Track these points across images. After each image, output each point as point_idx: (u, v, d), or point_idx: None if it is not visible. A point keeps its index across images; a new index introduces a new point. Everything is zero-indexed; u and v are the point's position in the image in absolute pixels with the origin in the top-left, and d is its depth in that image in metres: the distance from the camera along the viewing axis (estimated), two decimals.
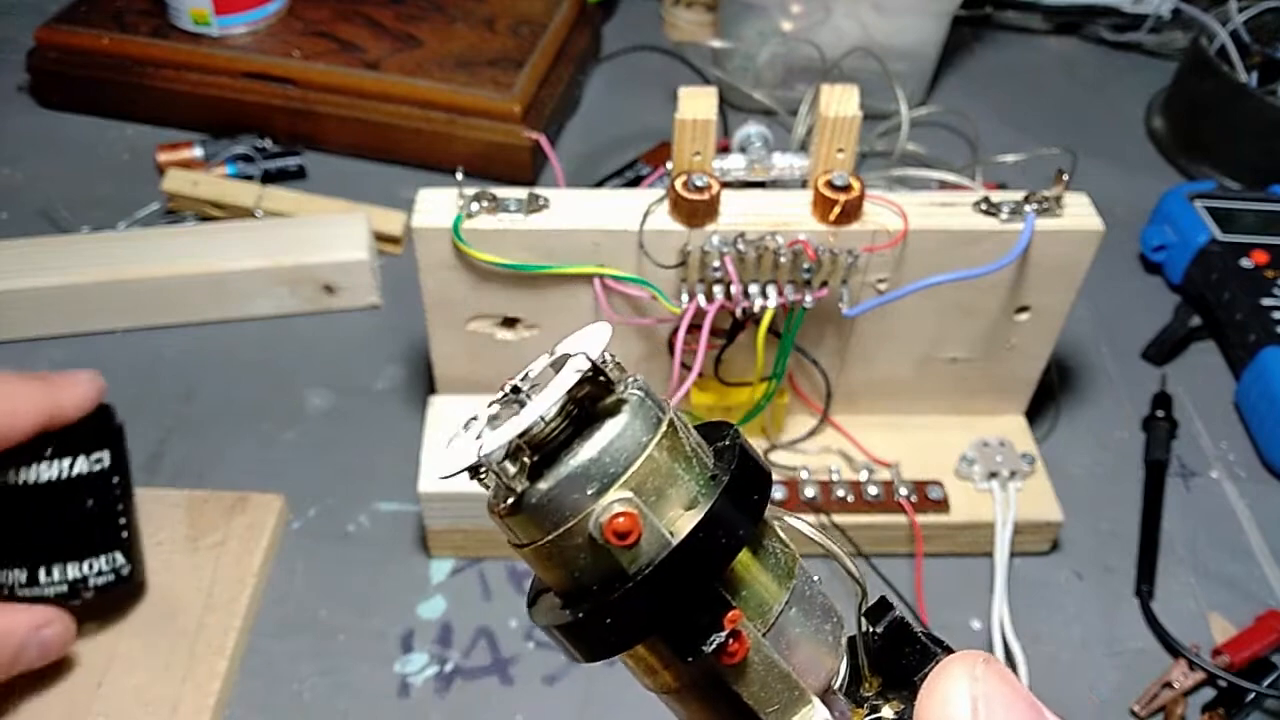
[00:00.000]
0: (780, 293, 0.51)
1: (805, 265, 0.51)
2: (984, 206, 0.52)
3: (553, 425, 0.18)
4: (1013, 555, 0.55)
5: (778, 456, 0.58)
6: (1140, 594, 0.55)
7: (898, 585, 0.55)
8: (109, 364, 0.64)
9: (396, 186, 0.75)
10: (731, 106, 0.85)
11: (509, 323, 0.56)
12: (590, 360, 0.18)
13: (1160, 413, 0.63)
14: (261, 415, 0.62)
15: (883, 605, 0.21)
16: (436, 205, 0.52)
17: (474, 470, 0.19)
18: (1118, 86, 0.93)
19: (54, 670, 0.48)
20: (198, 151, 0.77)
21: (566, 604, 0.20)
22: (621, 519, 0.17)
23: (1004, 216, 0.52)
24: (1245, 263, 0.68)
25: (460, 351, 0.57)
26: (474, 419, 0.19)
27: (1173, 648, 0.52)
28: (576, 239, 0.51)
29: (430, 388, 0.59)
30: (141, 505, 0.51)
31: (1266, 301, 0.66)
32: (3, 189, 0.76)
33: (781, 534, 0.20)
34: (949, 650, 0.21)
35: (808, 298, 0.51)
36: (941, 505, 0.55)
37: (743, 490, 0.19)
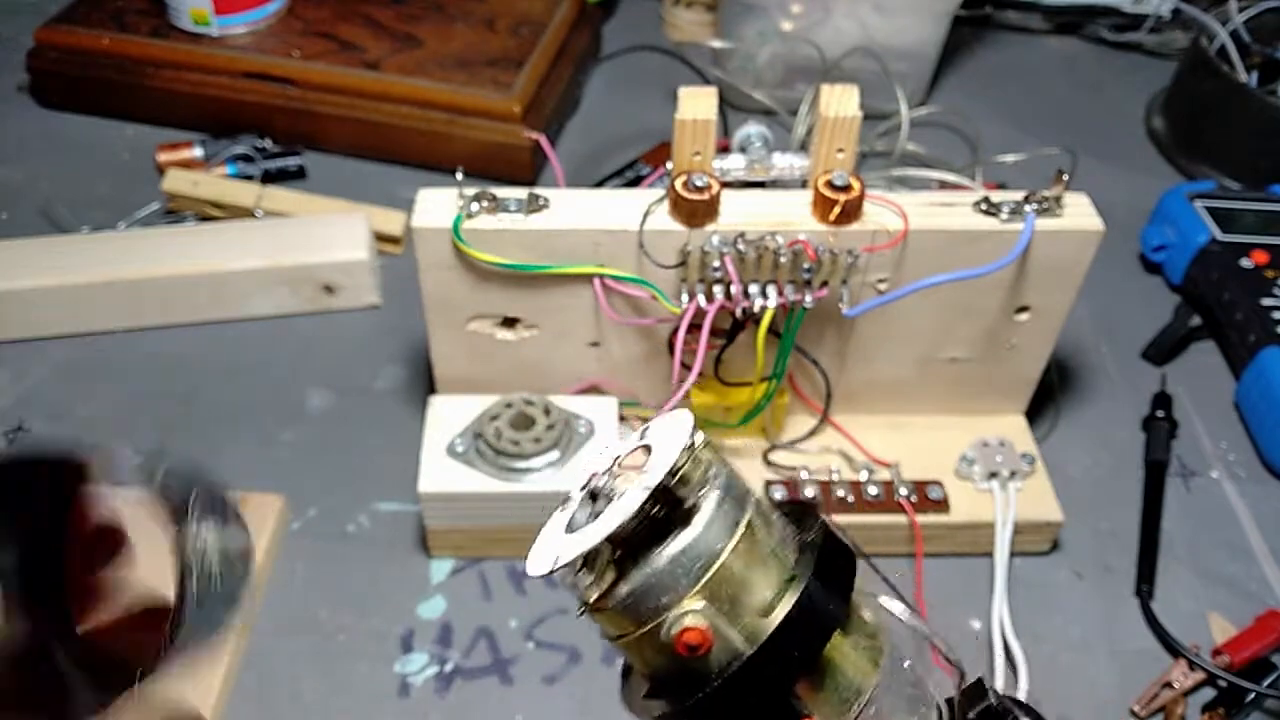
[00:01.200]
0: (780, 293, 0.51)
1: (805, 265, 0.51)
2: (984, 206, 0.52)
3: (634, 526, 0.18)
4: (1013, 555, 0.55)
5: (777, 456, 0.58)
6: (1140, 594, 0.55)
7: (898, 585, 0.55)
8: (109, 364, 0.65)
9: (396, 186, 0.76)
10: (731, 106, 0.85)
11: (509, 323, 0.56)
12: (659, 480, 0.18)
13: (1160, 413, 0.63)
14: (261, 415, 0.62)
15: (978, 688, 0.21)
16: (436, 205, 0.52)
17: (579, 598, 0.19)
18: (1118, 86, 0.93)
19: None
20: (198, 151, 0.77)
21: (652, 688, 0.20)
22: (691, 633, 0.18)
23: (1004, 216, 0.52)
24: (1245, 263, 0.68)
25: (460, 351, 0.57)
26: (567, 499, 0.20)
27: (1173, 647, 0.52)
28: (576, 239, 0.51)
29: (430, 388, 0.59)
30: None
31: (1266, 301, 0.66)
32: (3, 189, 0.76)
33: (873, 628, 0.20)
34: None
35: (808, 298, 0.51)
36: (941, 505, 0.55)
37: (814, 605, 0.18)
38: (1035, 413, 0.62)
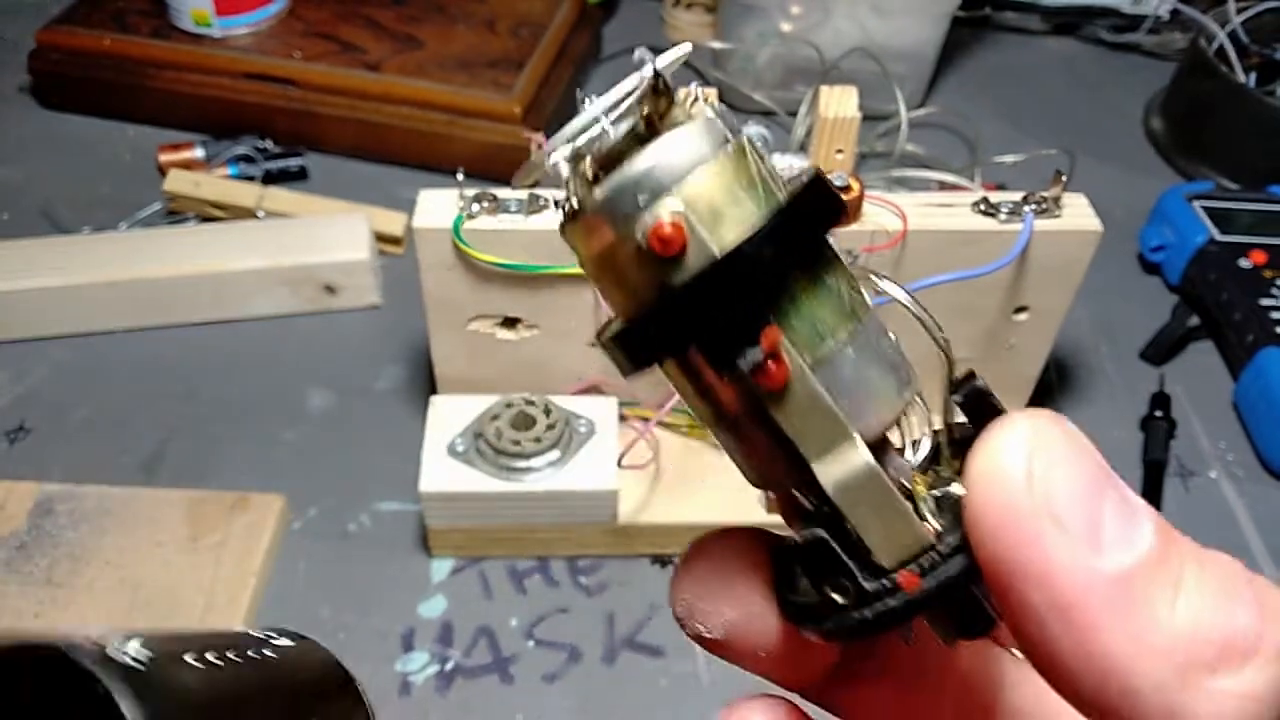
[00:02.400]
0: None
1: None
2: (983, 207, 0.52)
3: (617, 136, 0.18)
4: None
5: None
6: None
7: None
8: (110, 364, 0.65)
9: (397, 187, 0.76)
10: (731, 107, 0.85)
11: (509, 323, 0.56)
12: (655, 70, 0.18)
13: (1159, 413, 0.63)
14: (262, 415, 0.62)
15: (968, 377, 0.20)
16: (437, 206, 0.52)
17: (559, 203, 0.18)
18: (1116, 87, 0.93)
19: None
20: (199, 152, 0.77)
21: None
22: (666, 228, 0.17)
23: (1003, 217, 0.52)
24: (1243, 263, 0.69)
25: (461, 351, 0.57)
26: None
27: None
28: None
29: (431, 388, 0.59)
30: (141, 505, 0.51)
31: (1265, 301, 0.66)
32: (4, 189, 0.76)
33: (857, 284, 0.19)
34: None
35: None
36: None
37: (803, 215, 0.18)
38: None
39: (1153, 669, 0.15)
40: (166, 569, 0.52)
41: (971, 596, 0.18)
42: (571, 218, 0.19)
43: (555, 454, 0.53)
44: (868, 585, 0.18)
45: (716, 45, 0.86)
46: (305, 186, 0.77)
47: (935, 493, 0.19)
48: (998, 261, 0.51)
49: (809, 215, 0.18)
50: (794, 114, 0.79)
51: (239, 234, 0.68)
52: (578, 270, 0.55)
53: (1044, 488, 0.16)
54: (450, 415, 0.55)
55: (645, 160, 0.18)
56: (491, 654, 0.52)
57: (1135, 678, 0.15)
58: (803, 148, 0.73)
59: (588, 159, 0.18)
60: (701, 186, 0.18)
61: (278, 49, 0.79)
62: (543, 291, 0.54)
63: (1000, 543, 0.16)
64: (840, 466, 0.18)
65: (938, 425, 0.20)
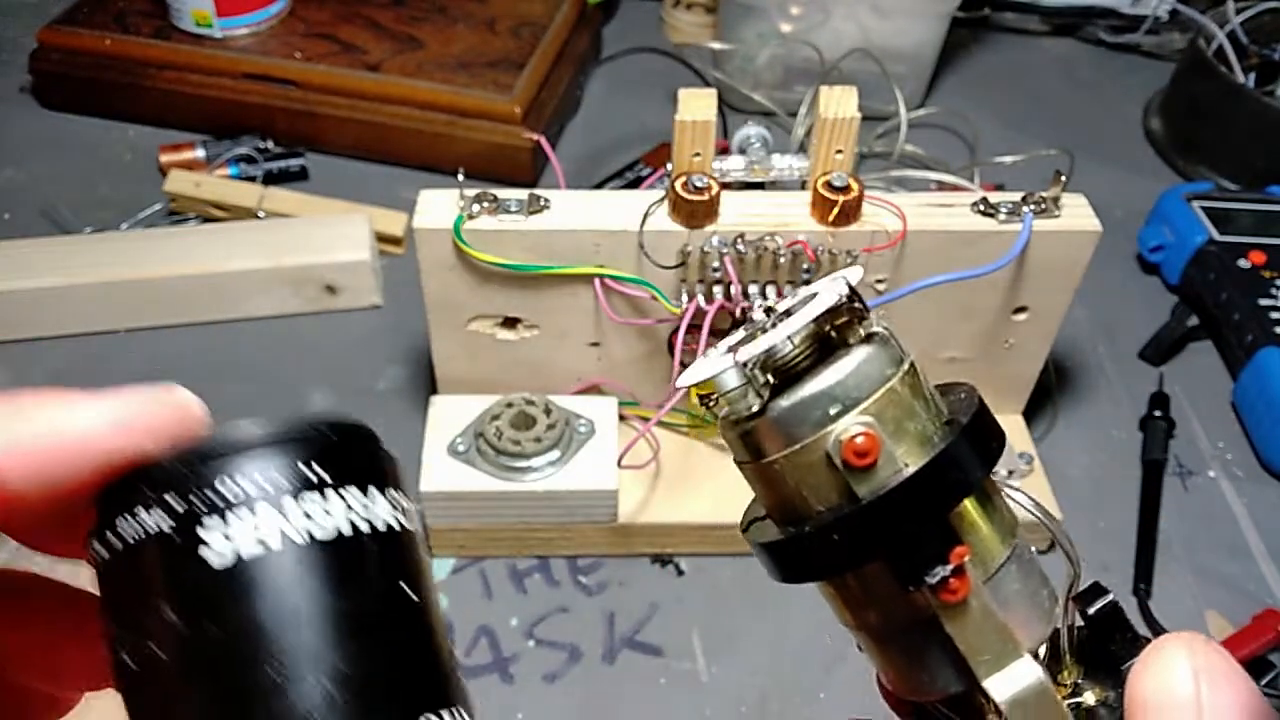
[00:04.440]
0: (780, 293, 0.52)
1: (804, 266, 0.51)
2: (982, 207, 0.52)
3: (799, 349, 0.19)
4: None
5: None
6: (1138, 593, 0.55)
7: None
8: (111, 364, 0.65)
9: (398, 187, 0.76)
10: (731, 108, 0.85)
11: (510, 323, 0.56)
12: (849, 285, 0.19)
13: (1158, 412, 0.63)
14: (263, 415, 0.62)
15: (1096, 590, 0.21)
16: (438, 206, 0.52)
17: (705, 399, 0.19)
18: (1115, 88, 0.93)
19: None
20: (200, 152, 0.77)
21: (785, 526, 0.20)
22: (861, 439, 0.18)
23: (1002, 217, 0.52)
24: (1243, 263, 0.69)
25: (461, 352, 0.57)
26: (724, 342, 0.20)
27: None
28: (577, 240, 0.51)
29: (431, 388, 0.59)
30: None
31: (1264, 302, 0.66)
32: (5, 190, 0.76)
33: (1005, 497, 0.21)
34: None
35: None
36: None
37: (978, 436, 0.19)
38: (1033, 412, 0.62)
39: None
40: None
41: None
42: (753, 418, 0.19)
43: (555, 454, 0.53)
44: None
45: (716, 46, 0.86)
46: (306, 187, 0.77)
47: (1080, 700, 0.20)
48: (997, 262, 0.51)
49: (985, 437, 0.19)
50: (794, 114, 0.79)
51: (240, 234, 0.68)
52: (578, 270, 0.55)
53: (1213, 714, 0.17)
54: (450, 415, 0.55)
55: (836, 374, 0.19)
56: (492, 653, 0.52)
57: None
58: (803, 148, 0.73)
59: (763, 368, 0.19)
60: (886, 403, 0.19)
61: (278, 49, 0.79)
62: (543, 291, 0.54)
63: None
64: (1013, 682, 0.19)
65: (1062, 637, 0.20)
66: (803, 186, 0.56)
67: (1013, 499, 0.21)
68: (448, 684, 0.18)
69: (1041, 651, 0.20)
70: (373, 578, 0.18)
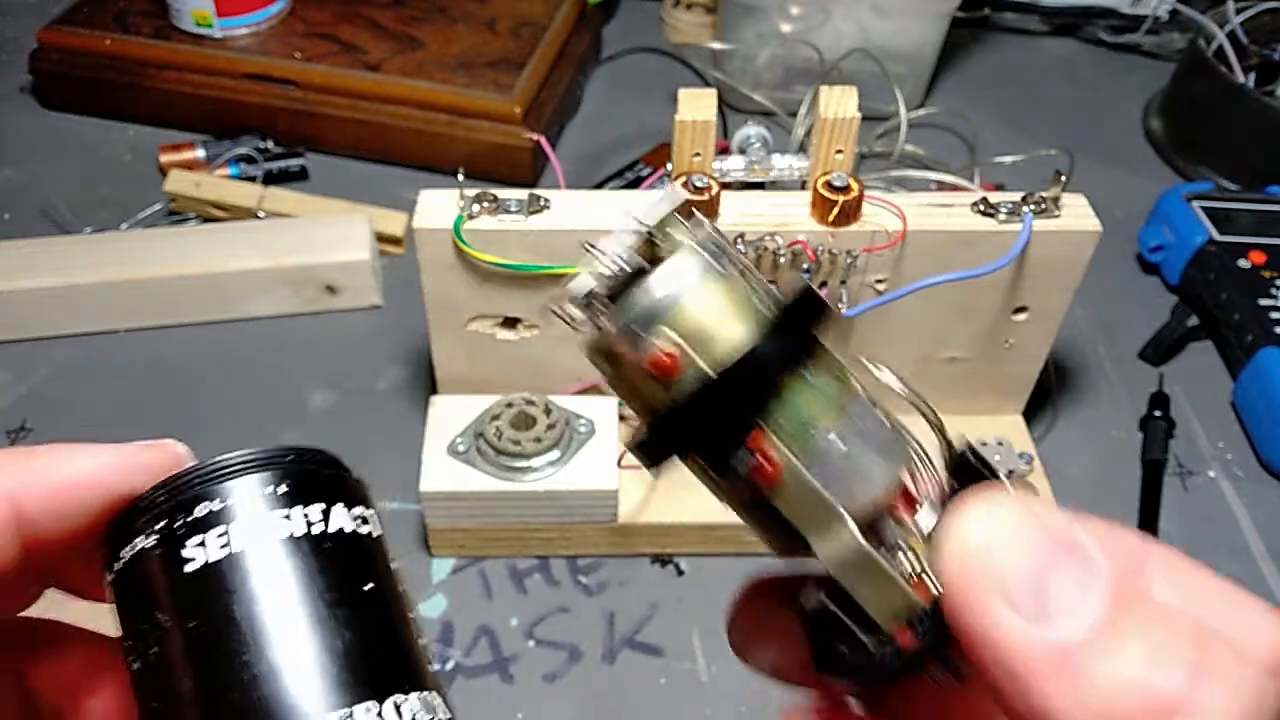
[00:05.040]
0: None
1: (804, 266, 0.51)
2: (982, 207, 0.52)
3: (620, 271, 0.21)
4: None
5: None
6: None
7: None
8: (111, 364, 0.65)
9: (398, 187, 0.76)
10: (731, 108, 0.85)
11: (509, 323, 0.56)
12: (642, 222, 0.21)
13: (1158, 412, 0.63)
14: (263, 415, 0.62)
15: (960, 449, 0.22)
16: (437, 206, 0.52)
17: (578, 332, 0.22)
18: (1115, 88, 0.93)
19: None
20: (200, 152, 0.77)
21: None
22: (662, 357, 0.20)
23: (1002, 217, 0.52)
24: (1243, 263, 0.69)
25: (461, 352, 0.57)
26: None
27: None
28: (577, 240, 0.51)
29: (431, 388, 0.59)
30: None
31: (1264, 302, 0.66)
32: (5, 190, 0.76)
33: (846, 373, 0.22)
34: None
35: None
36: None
37: (782, 330, 0.20)
38: (1033, 412, 0.62)
39: None
40: None
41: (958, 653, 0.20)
42: (591, 347, 0.22)
43: (555, 454, 0.53)
44: (870, 645, 0.21)
45: (716, 46, 0.86)
46: (306, 187, 0.77)
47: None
48: (997, 261, 0.51)
49: (791, 329, 0.20)
50: (794, 114, 0.79)
51: (240, 234, 0.68)
52: (578, 270, 0.55)
53: (996, 566, 0.18)
54: (450, 415, 0.55)
55: (641, 295, 0.21)
56: (492, 653, 0.52)
57: None
58: (803, 148, 0.73)
59: (600, 292, 0.21)
60: (691, 313, 0.20)
61: (278, 49, 0.79)
62: (543, 291, 0.54)
63: (961, 615, 0.18)
64: (834, 545, 0.20)
65: (936, 496, 0.22)
66: (803, 186, 0.56)
67: (875, 371, 0.22)
68: (414, 670, 0.20)
69: (925, 516, 0.21)
70: (334, 572, 0.20)
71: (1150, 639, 0.17)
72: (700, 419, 0.20)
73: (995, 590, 0.18)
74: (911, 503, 0.22)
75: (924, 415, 0.22)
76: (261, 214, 0.72)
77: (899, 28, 0.83)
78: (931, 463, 0.22)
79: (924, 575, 0.21)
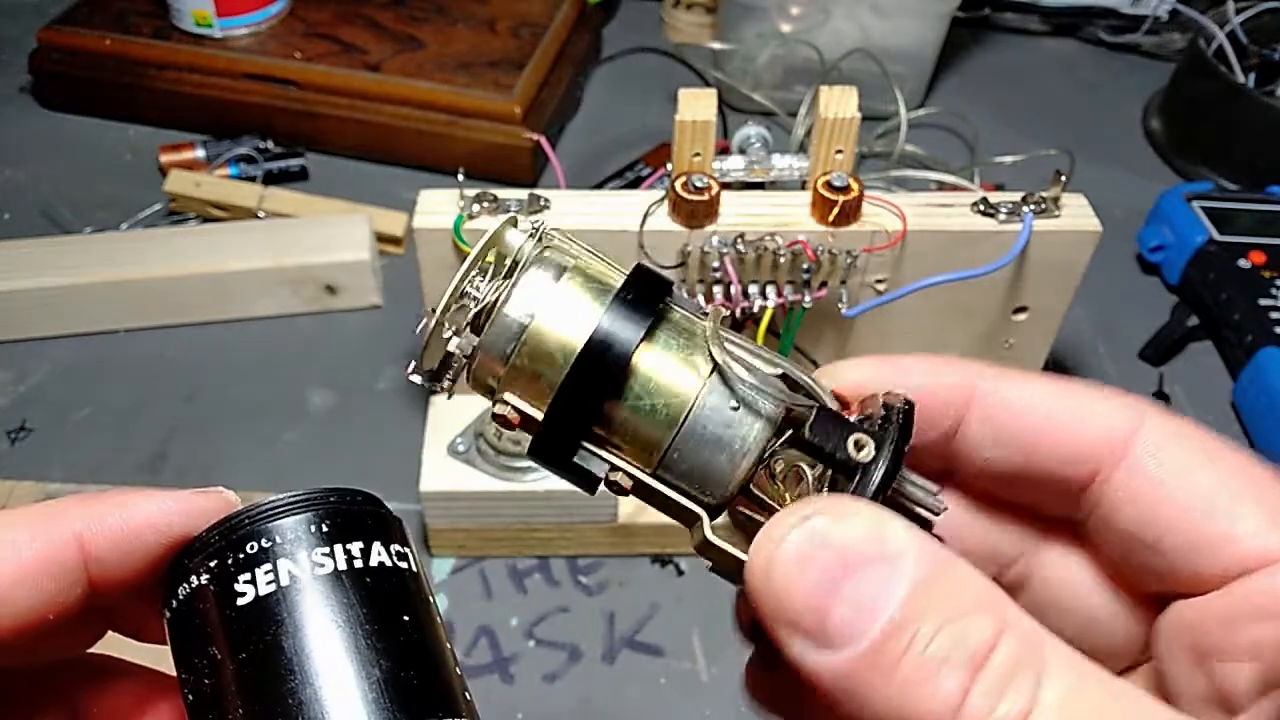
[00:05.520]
0: (780, 293, 0.52)
1: (804, 266, 0.51)
2: (982, 207, 0.53)
3: (477, 299, 0.24)
4: None
5: None
6: None
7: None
8: (111, 364, 0.65)
9: (398, 187, 0.76)
10: (731, 108, 0.85)
11: None
12: (459, 280, 0.24)
13: None
14: (263, 415, 0.62)
15: (821, 410, 0.23)
16: (438, 206, 0.52)
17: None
18: (1115, 88, 0.93)
19: None
20: (200, 152, 0.77)
21: None
22: (502, 417, 0.23)
23: (1002, 217, 0.52)
24: (1243, 263, 0.69)
25: None
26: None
27: None
28: (576, 240, 0.51)
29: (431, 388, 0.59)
30: None
31: (1264, 302, 0.66)
32: (5, 190, 0.76)
33: (692, 362, 0.23)
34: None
35: (807, 298, 0.52)
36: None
37: (581, 384, 0.22)
38: None
39: None
40: None
41: None
42: (475, 383, 0.24)
43: None
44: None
45: (716, 46, 0.86)
46: (306, 187, 0.77)
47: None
48: (997, 261, 0.51)
49: (588, 381, 0.22)
50: (794, 114, 0.79)
51: (240, 234, 0.68)
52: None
53: (782, 592, 0.19)
54: (450, 415, 0.55)
55: (480, 357, 0.24)
56: (492, 653, 0.52)
57: None
58: (803, 148, 0.73)
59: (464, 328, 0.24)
60: (516, 371, 0.23)
61: (278, 49, 0.79)
62: None
63: (769, 629, 0.19)
64: (696, 536, 0.23)
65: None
66: (803, 186, 0.56)
67: (723, 338, 0.23)
68: (449, 698, 0.21)
69: (807, 477, 0.23)
70: (373, 605, 0.22)
71: (928, 653, 0.18)
72: (551, 463, 0.23)
73: (783, 618, 0.19)
74: (780, 474, 0.23)
75: (808, 393, 0.23)
76: (261, 214, 0.72)
77: (899, 28, 0.83)
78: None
79: None
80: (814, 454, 0.22)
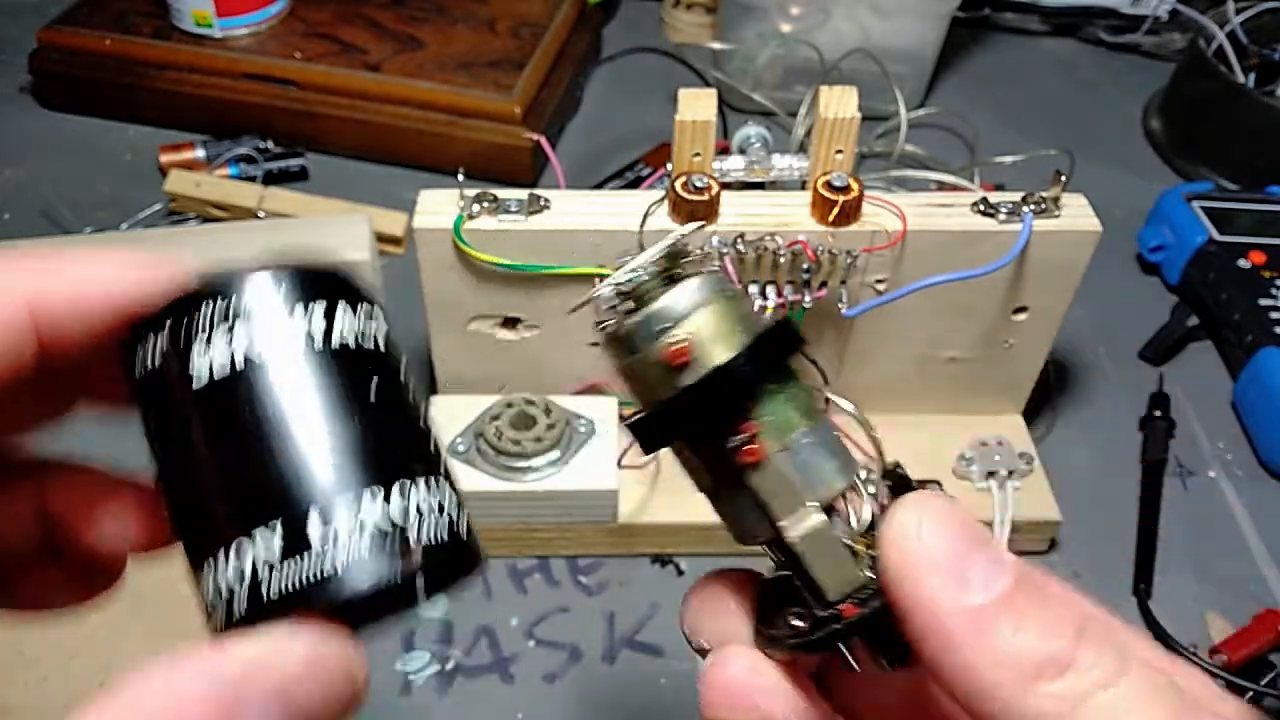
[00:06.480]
0: (780, 293, 0.52)
1: (804, 266, 0.51)
2: (982, 207, 0.52)
3: (648, 283, 0.25)
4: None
5: None
6: (1138, 593, 0.55)
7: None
8: None
9: (398, 187, 0.76)
10: (731, 108, 0.85)
11: (509, 323, 0.56)
12: (679, 236, 0.26)
13: (1158, 412, 0.63)
14: None
15: (895, 467, 0.26)
16: (438, 206, 0.52)
17: (599, 324, 0.26)
18: (1115, 88, 0.93)
19: (56, 669, 0.48)
20: (200, 153, 0.77)
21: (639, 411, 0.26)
22: (679, 346, 0.24)
23: (1002, 217, 0.52)
24: (1243, 263, 0.69)
25: (461, 352, 0.57)
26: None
27: (1171, 646, 0.52)
28: (577, 240, 0.51)
29: (431, 388, 0.59)
30: None
31: (1264, 302, 0.66)
32: (5, 190, 0.76)
33: (812, 394, 0.26)
34: None
35: (807, 298, 0.52)
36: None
37: (771, 343, 0.25)
38: (1033, 412, 0.62)
39: (996, 676, 0.21)
40: (167, 571, 0.52)
41: (892, 627, 0.23)
42: (614, 335, 0.26)
43: (555, 454, 0.53)
44: (819, 612, 0.24)
45: (716, 46, 0.86)
46: (306, 187, 0.77)
47: (873, 552, 0.25)
48: (997, 261, 0.51)
49: (776, 346, 0.25)
50: (794, 114, 0.79)
51: (240, 234, 0.68)
52: (578, 270, 0.55)
53: (928, 545, 0.22)
54: (450, 415, 0.55)
55: (667, 300, 0.25)
56: (492, 653, 0.52)
57: (985, 682, 0.21)
58: (803, 148, 0.73)
59: (627, 295, 0.25)
60: (704, 321, 0.25)
61: (278, 49, 0.79)
62: (543, 291, 0.54)
63: (900, 584, 0.22)
64: (800, 524, 0.25)
65: (876, 505, 0.26)
66: (803, 186, 0.56)
67: (838, 404, 0.28)
68: (421, 458, 0.22)
69: (867, 518, 0.25)
70: (341, 367, 0.22)
71: (1045, 612, 0.21)
72: (704, 403, 0.24)
73: (926, 564, 0.22)
74: (852, 504, 0.26)
75: (869, 434, 0.27)
76: (261, 214, 0.72)
77: (899, 28, 0.83)
78: (870, 475, 0.26)
79: (864, 569, 0.25)
80: (898, 484, 0.26)
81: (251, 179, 0.76)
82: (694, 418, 0.25)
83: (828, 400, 0.27)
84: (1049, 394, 0.64)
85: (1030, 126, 0.86)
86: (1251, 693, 0.50)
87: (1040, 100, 0.91)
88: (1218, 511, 0.60)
